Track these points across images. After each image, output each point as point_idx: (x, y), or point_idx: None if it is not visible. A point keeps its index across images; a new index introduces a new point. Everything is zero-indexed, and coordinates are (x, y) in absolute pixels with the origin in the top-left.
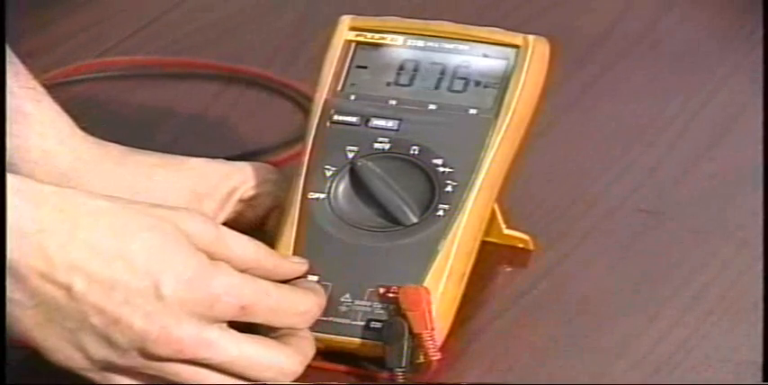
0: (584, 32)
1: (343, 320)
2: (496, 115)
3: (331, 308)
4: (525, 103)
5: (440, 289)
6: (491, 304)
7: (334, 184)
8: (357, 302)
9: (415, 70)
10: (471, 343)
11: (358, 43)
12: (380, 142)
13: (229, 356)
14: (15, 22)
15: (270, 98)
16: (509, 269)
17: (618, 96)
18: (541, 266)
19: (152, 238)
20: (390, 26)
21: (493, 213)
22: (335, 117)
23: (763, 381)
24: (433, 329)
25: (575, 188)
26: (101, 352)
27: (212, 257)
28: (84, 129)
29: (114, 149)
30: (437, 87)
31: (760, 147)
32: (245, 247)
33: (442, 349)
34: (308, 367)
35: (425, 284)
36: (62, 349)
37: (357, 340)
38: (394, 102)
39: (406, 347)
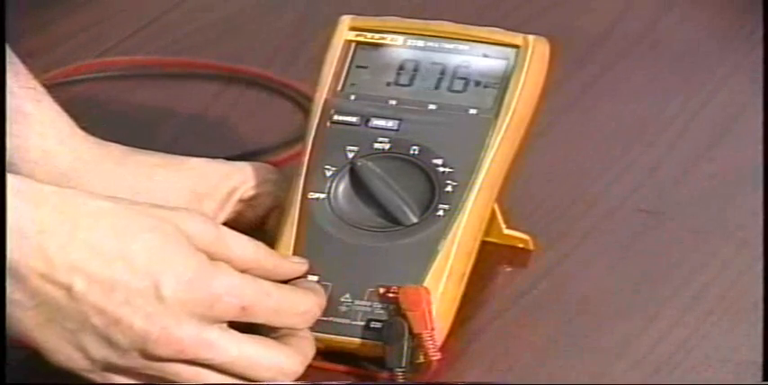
0: (585, 32)
1: (343, 320)
2: (496, 115)
3: (331, 308)
4: (525, 103)
5: (440, 289)
6: (491, 304)
7: (334, 184)
8: (357, 302)
9: (415, 70)
10: (471, 343)
11: (358, 43)
12: (380, 142)
13: (230, 356)
14: (15, 22)
15: (270, 98)
16: (509, 269)
17: (618, 96)
18: (541, 266)
19: (152, 239)
20: (390, 26)
21: (493, 213)
22: (335, 117)
23: (763, 381)
24: (433, 329)
25: (575, 188)
26: (101, 352)
27: (213, 258)
28: (84, 129)
29: (114, 149)
30: (437, 87)
31: (760, 147)
32: (246, 247)
33: (442, 349)
34: (308, 367)
35: (425, 284)
36: (62, 349)
37: (357, 340)
38: (394, 103)
39: (406, 347)
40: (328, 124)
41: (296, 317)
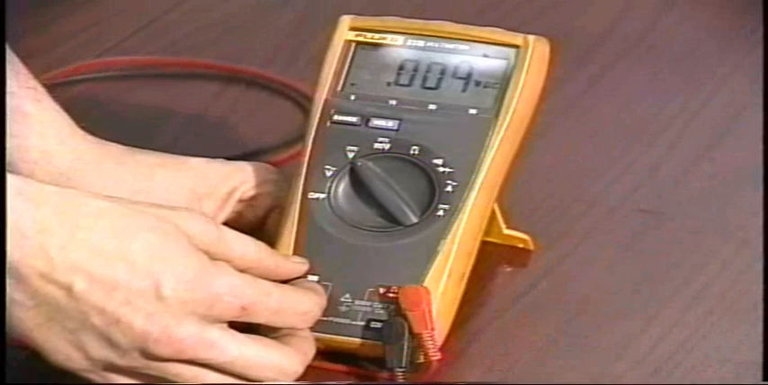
0: (585, 32)
1: (343, 320)
2: (496, 115)
3: (331, 308)
4: (525, 103)
5: (440, 289)
6: (491, 304)
7: (334, 184)
8: (357, 302)
9: (415, 70)
10: (471, 343)
11: (358, 43)
12: (380, 142)
13: (230, 356)
14: (15, 22)
15: (270, 98)
16: (509, 269)
17: (618, 96)
18: (541, 266)
19: (153, 239)
20: (390, 26)
21: (493, 213)
22: (335, 117)
23: (763, 381)
24: (433, 329)
25: (575, 188)
26: (101, 352)
27: (213, 257)
28: (84, 129)
29: (115, 149)
30: (437, 87)
31: (760, 147)
32: (246, 247)
33: (442, 349)
34: (308, 367)
35: (425, 284)
36: (62, 349)
37: (357, 340)
38: (394, 103)
39: (406, 347)
40: (328, 124)
41: (296, 318)
